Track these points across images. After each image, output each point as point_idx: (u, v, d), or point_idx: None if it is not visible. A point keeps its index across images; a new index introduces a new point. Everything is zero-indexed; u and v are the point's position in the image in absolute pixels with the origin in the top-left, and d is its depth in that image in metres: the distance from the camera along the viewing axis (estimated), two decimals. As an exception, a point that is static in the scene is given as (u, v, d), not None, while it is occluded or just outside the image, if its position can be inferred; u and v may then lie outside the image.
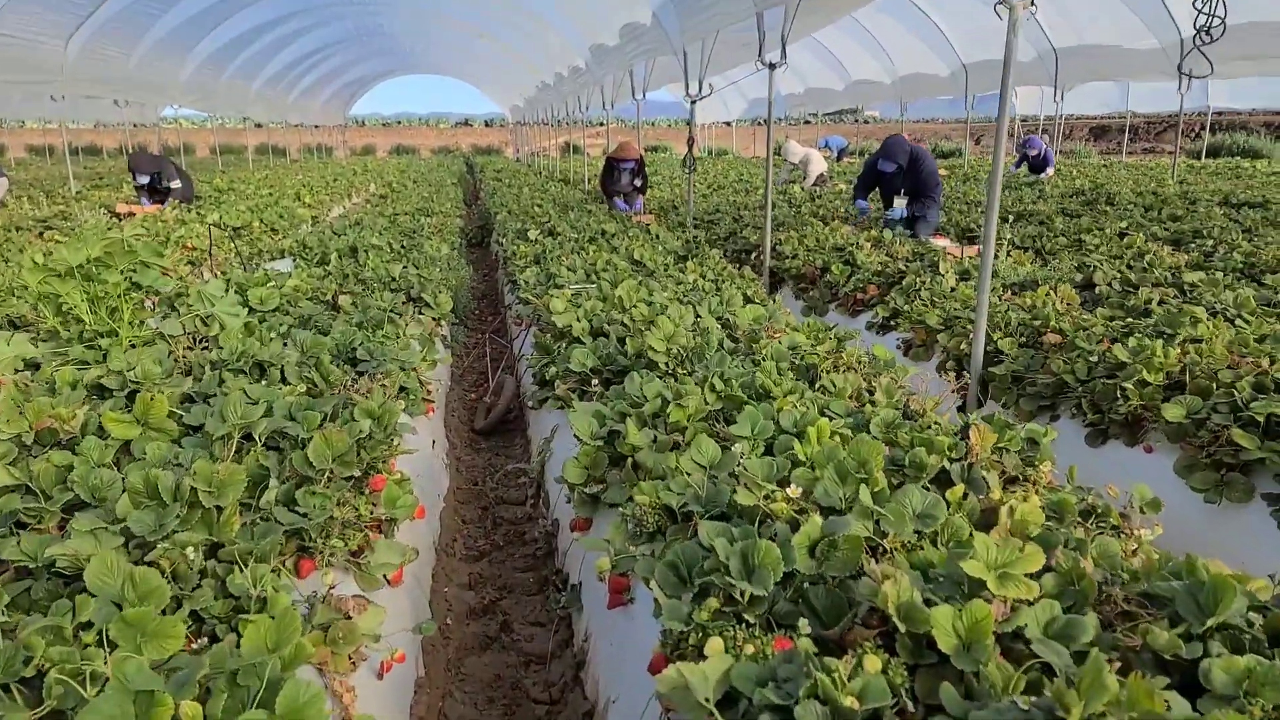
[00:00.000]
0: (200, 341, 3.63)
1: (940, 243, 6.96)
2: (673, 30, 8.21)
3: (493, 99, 33.92)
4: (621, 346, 3.61)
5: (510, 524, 3.47)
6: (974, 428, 2.29)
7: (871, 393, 3.09)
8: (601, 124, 26.09)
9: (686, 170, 8.44)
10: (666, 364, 3.27)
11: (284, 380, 3.15)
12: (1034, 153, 13.51)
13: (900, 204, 7.21)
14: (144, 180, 10.64)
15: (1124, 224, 6.98)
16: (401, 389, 3.58)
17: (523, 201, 11.37)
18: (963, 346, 4.01)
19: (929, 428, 2.68)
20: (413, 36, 22.36)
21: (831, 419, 2.74)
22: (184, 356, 3.41)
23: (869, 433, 2.60)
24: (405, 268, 5.90)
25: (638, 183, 9.75)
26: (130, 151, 11.68)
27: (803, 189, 12.32)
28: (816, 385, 3.06)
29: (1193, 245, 6.02)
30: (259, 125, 33.12)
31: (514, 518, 3.51)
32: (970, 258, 6.13)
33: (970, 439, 2.28)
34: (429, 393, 3.98)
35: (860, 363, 3.28)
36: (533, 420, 4.18)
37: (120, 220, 9.95)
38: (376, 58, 27.20)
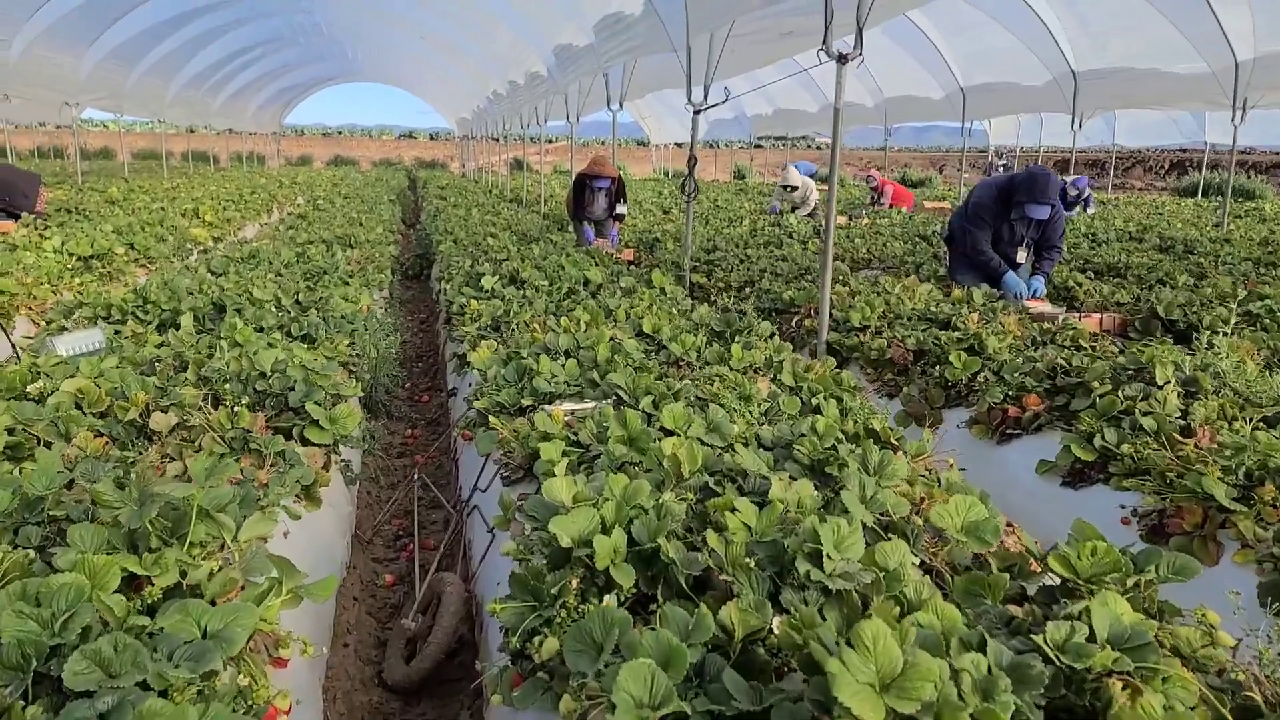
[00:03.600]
0: None
1: (1041, 308, 5.05)
2: (674, 20, 6.15)
3: (440, 111, 31.49)
4: (724, 638, 1.50)
5: None
6: None
7: None
8: (551, 140, 23.87)
9: (686, 196, 6.39)
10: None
11: None
12: (1083, 194, 12.20)
13: (1024, 261, 5.24)
14: None
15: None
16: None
17: (471, 227, 9.16)
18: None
19: None
20: (353, 39, 19.89)
21: None
22: None
23: None
24: (292, 344, 3.68)
25: (620, 209, 7.65)
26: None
27: (798, 218, 10.41)
28: None
29: None
30: (191, 130, 30.22)
31: None
32: (1136, 345, 4.20)
33: None
34: (279, 663, 1.81)
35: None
36: None
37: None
38: (314, 62, 24.55)
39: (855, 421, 2.64)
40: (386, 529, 3.41)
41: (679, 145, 29.77)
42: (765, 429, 2.60)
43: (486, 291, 5.11)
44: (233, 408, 2.87)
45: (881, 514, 1.96)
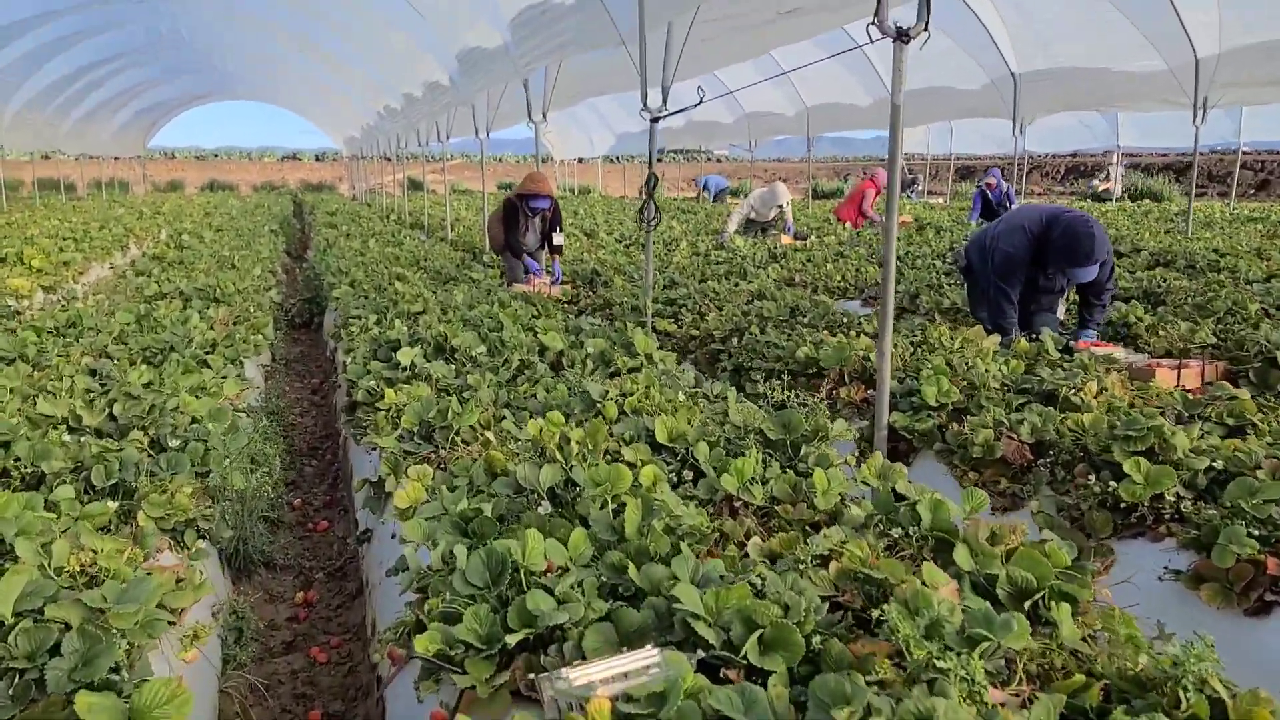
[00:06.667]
0: None
1: (1105, 351, 3.99)
2: (622, 5, 4.82)
3: (325, 130, 29.06)
4: None
5: None
6: None
7: None
8: (450, 158, 22.09)
9: (646, 224, 5.07)
10: None
11: None
12: (991, 183, 11.21)
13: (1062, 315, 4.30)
14: None
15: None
16: None
17: (371, 264, 7.55)
18: None
19: None
20: (222, 50, 17.62)
21: None
22: None
23: None
24: (85, 512, 2.14)
25: (557, 239, 6.23)
26: None
27: (747, 240, 9.26)
28: None
29: None
30: (46, 156, 26.94)
31: None
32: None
33: None
34: None
35: None
36: None
37: None
38: (180, 77, 21.91)
39: (1146, 661, 1.38)
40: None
41: (581, 161, 28.34)
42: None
43: (405, 369, 3.63)
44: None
45: None
